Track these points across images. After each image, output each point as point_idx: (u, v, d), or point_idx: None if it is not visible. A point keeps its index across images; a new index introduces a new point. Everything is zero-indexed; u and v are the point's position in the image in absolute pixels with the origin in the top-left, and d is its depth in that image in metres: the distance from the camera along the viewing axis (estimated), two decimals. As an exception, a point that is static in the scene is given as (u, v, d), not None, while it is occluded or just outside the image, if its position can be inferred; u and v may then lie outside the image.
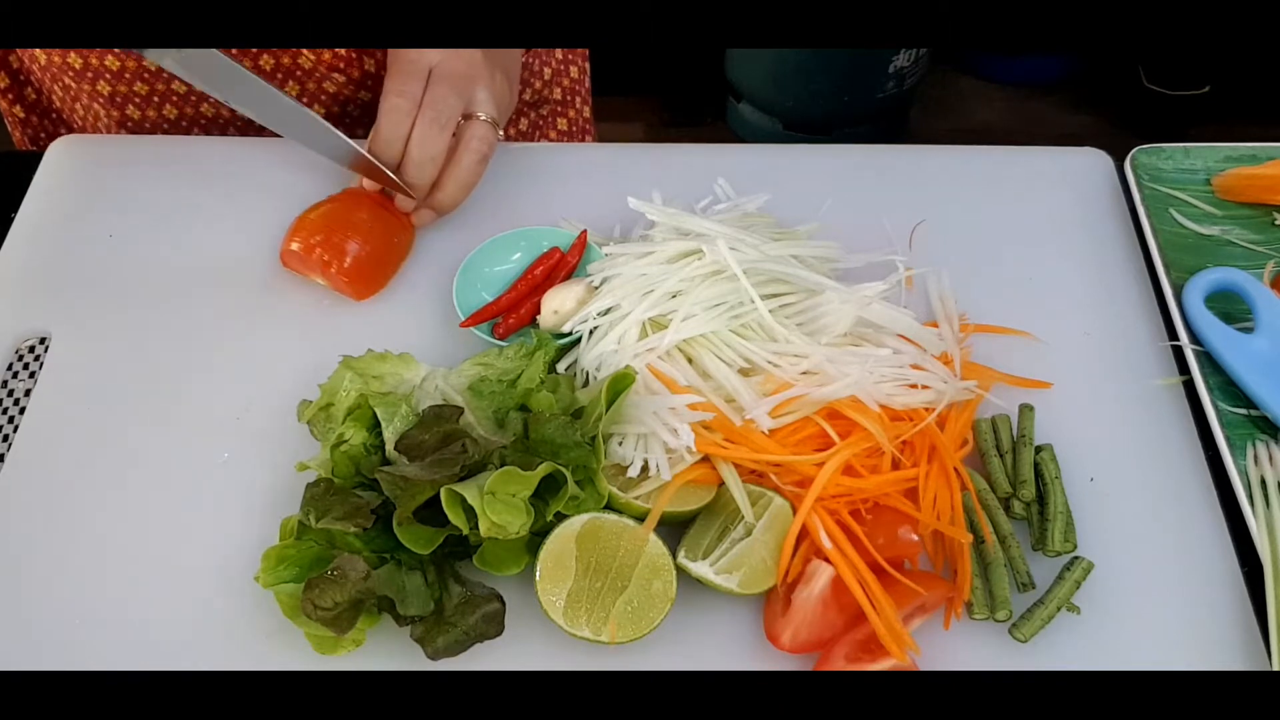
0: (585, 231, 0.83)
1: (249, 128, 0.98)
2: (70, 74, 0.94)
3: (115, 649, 0.67)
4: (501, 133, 0.85)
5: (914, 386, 0.73)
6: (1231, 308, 0.78)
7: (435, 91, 0.81)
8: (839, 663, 0.64)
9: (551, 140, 1.12)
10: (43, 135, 1.05)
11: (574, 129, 1.14)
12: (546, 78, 1.08)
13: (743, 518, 0.68)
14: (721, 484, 0.70)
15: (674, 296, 0.74)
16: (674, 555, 0.66)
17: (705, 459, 0.70)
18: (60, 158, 0.92)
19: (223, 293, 0.83)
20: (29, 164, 0.91)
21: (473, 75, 0.83)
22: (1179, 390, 0.78)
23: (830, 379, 0.71)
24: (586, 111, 1.15)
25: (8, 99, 1.03)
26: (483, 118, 0.83)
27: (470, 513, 0.63)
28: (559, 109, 1.12)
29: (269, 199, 0.88)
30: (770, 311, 0.74)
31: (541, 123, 1.11)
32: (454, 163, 0.83)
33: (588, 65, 1.12)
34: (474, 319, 0.79)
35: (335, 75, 0.96)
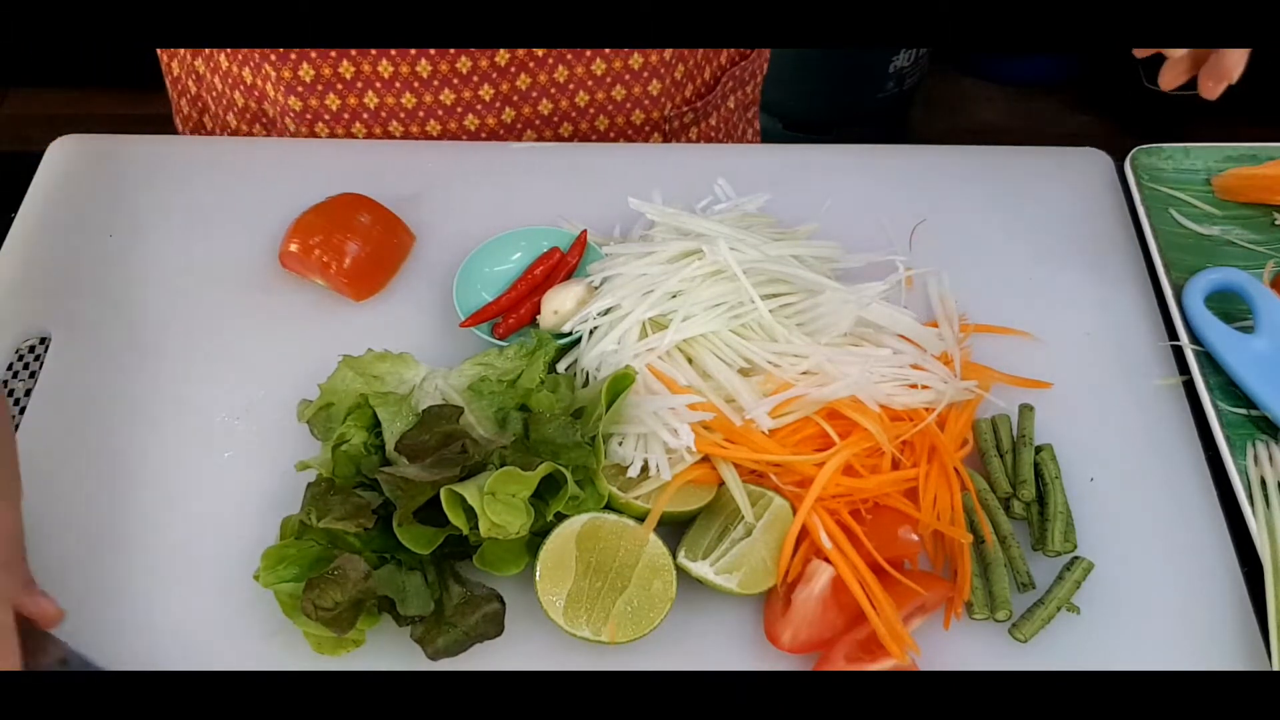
0: (585, 231, 0.82)
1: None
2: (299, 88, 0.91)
3: (114, 648, 0.66)
4: None
5: (914, 386, 0.73)
6: (1231, 308, 0.78)
7: None
8: (839, 663, 0.64)
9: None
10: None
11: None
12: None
13: (743, 518, 0.68)
14: (721, 484, 0.70)
15: (674, 296, 0.74)
16: (674, 555, 0.66)
17: (705, 459, 0.70)
18: (60, 158, 0.92)
19: (223, 293, 0.83)
20: (29, 164, 0.91)
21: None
22: (1179, 390, 0.78)
23: (830, 379, 0.71)
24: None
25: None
26: None
27: (470, 513, 0.63)
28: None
29: (269, 199, 0.88)
30: (770, 311, 0.74)
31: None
32: None
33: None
34: (474, 319, 0.79)
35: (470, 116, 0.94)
